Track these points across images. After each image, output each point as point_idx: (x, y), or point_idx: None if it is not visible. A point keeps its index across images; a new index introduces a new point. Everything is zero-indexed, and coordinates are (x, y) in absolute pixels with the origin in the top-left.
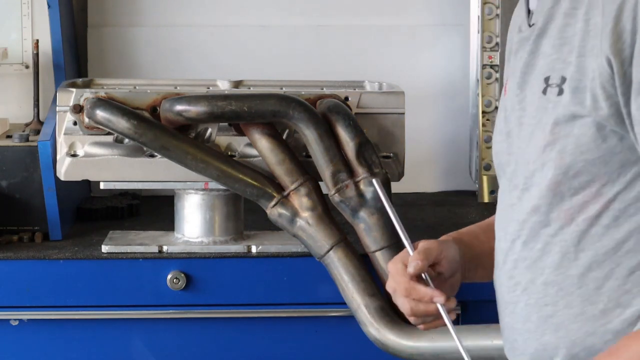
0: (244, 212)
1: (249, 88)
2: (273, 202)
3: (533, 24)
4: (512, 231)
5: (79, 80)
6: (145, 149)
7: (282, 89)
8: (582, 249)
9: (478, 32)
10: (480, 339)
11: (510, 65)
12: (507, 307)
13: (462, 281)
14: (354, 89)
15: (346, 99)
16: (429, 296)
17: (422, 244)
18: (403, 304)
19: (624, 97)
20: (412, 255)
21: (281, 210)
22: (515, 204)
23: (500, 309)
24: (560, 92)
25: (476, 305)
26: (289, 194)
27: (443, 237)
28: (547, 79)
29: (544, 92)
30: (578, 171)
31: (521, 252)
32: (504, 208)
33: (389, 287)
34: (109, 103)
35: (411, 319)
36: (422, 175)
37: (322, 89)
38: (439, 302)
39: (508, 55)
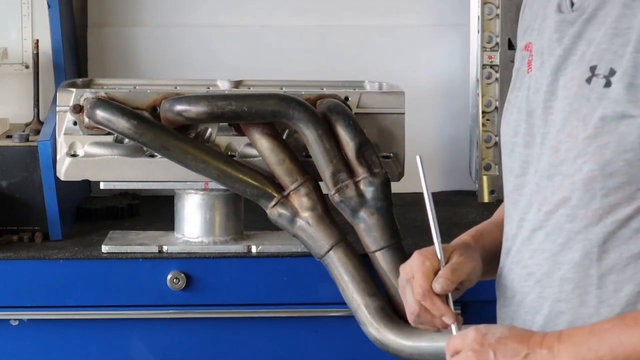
0: (244, 212)
1: (249, 88)
2: (273, 202)
3: (577, 8)
4: (535, 220)
5: (79, 80)
6: (145, 149)
7: (282, 89)
8: (606, 250)
9: (478, 32)
10: None
11: (532, 40)
12: (515, 295)
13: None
14: (354, 89)
15: (346, 99)
16: (441, 312)
17: (456, 259)
18: (411, 304)
19: None
20: (444, 271)
21: (281, 210)
22: (535, 190)
23: (504, 296)
24: (608, 84)
25: (476, 305)
26: (289, 194)
27: (467, 239)
28: (593, 68)
29: (588, 81)
30: (616, 170)
31: (542, 243)
32: (515, 191)
33: (406, 274)
34: (109, 103)
35: (410, 317)
36: None
37: (322, 89)
38: (447, 322)
39: (524, 29)
